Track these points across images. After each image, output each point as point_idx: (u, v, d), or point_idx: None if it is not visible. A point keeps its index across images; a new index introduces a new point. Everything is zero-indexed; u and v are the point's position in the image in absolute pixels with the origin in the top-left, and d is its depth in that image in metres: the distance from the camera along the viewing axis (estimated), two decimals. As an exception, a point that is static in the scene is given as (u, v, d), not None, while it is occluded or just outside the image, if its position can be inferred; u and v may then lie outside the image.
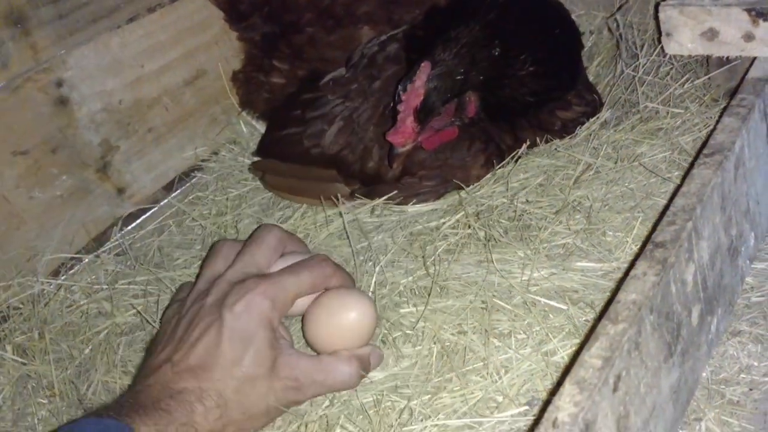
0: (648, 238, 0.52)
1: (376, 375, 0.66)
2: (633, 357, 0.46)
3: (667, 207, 0.54)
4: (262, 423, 0.62)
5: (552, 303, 0.67)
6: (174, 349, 0.60)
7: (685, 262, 0.51)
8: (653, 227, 0.57)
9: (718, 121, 0.61)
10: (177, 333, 0.62)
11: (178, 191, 0.98)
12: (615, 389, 0.44)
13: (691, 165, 0.58)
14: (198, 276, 0.68)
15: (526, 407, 0.60)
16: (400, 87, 0.75)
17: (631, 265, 0.52)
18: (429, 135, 0.78)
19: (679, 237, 0.51)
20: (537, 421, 0.41)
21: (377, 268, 0.74)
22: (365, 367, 0.64)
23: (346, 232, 0.80)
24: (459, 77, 0.75)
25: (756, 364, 0.59)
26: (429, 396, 0.63)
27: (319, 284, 0.65)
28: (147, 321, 0.78)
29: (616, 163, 0.78)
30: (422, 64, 0.74)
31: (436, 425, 0.60)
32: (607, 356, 0.44)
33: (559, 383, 0.58)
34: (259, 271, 0.65)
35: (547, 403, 0.56)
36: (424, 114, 0.74)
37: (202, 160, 1.00)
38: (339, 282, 0.66)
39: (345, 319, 0.64)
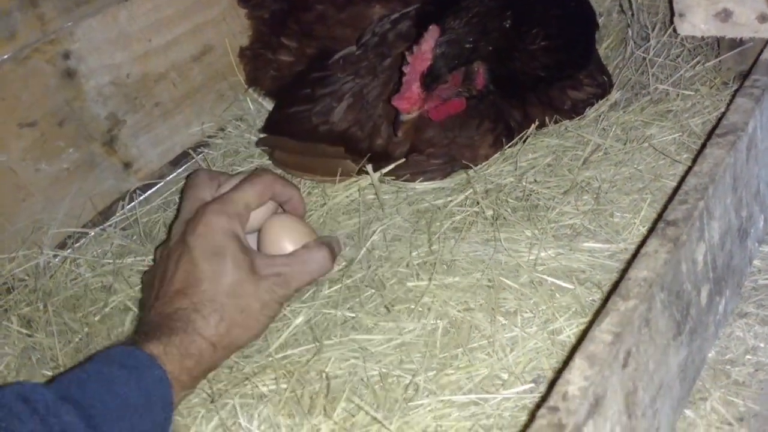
0: (659, 217, 0.52)
1: (377, 338, 0.66)
2: (643, 334, 0.46)
3: (678, 186, 0.54)
4: (263, 321, 0.66)
5: (559, 282, 0.67)
6: (159, 285, 0.65)
7: (696, 242, 0.51)
8: (663, 208, 0.57)
9: (731, 102, 0.60)
10: (160, 269, 0.67)
11: (185, 167, 0.97)
12: (625, 365, 0.44)
13: (703, 145, 0.58)
14: (182, 203, 0.73)
15: (532, 384, 0.60)
16: (406, 51, 0.74)
17: (641, 243, 0.52)
18: (436, 104, 0.77)
19: (691, 216, 0.50)
20: (546, 395, 0.41)
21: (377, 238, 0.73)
22: (334, 249, 0.71)
23: (360, 207, 0.80)
24: (468, 45, 0.74)
25: (762, 345, 0.60)
26: (434, 372, 0.63)
27: (265, 193, 0.70)
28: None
29: (625, 144, 0.78)
30: (430, 28, 0.73)
31: (442, 401, 0.60)
32: (617, 332, 0.44)
33: (566, 361, 0.58)
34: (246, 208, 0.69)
35: (553, 380, 0.56)
36: (430, 79, 0.73)
37: (209, 136, 1.00)
38: (281, 188, 0.71)
39: (284, 249, 0.70)
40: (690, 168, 0.56)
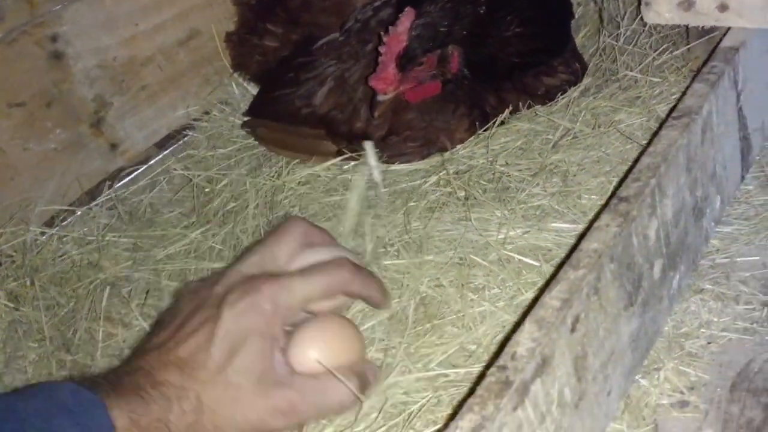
0: (612, 194, 0.54)
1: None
2: (592, 301, 0.49)
3: (633, 165, 0.57)
4: None
5: (526, 260, 0.70)
6: (170, 335, 0.57)
7: (648, 217, 0.54)
8: (618, 184, 0.60)
9: (688, 87, 0.63)
10: (180, 316, 0.58)
11: (170, 149, 1.00)
12: (573, 330, 0.47)
13: (659, 127, 0.60)
14: (258, 246, 0.63)
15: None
16: (383, 32, 0.76)
17: (594, 219, 0.54)
18: (411, 86, 0.80)
19: (642, 192, 0.53)
20: (496, 355, 0.44)
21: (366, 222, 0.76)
22: (365, 385, 0.58)
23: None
24: (442, 29, 0.76)
25: (716, 319, 0.62)
26: (406, 345, 0.66)
27: (335, 290, 0.60)
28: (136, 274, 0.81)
29: (594, 129, 0.81)
30: (406, 10, 0.75)
31: (414, 376, 0.63)
32: (565, 298, 0.46)
33: (516, 325, 0.61)
34: (276, 266, 0.60)
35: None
36: (405, 60, 0.75)
37: (194, 120, 1.03)
38: (358, 288, 0.61)
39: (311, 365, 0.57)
40: (642, 152, 0.58)
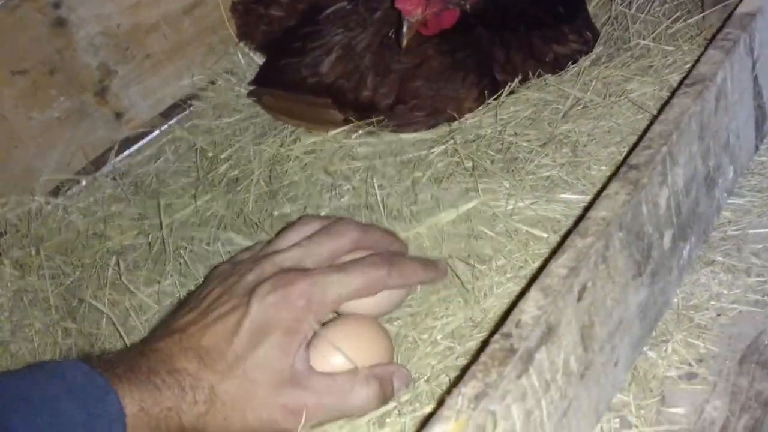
0: (623, 162, 0.53)
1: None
2: (600, 270, 0.48)
3: (644, 133, 0.56)
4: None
5: (534, 231, 0.69)
6: (194, 320, 0.55)
7: (658, 186, 0.53)
8: (628, 153, 0.58)
9: (702, 54, 0.61)
10: (206, 300, 0.56)
11: (175, 119, 0.99)
12: (580, 298, 0.46)
13: (671, 95, 0.59)
14: (270, 241, 0.62)
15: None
16: None
17: (603, 187, 0.53)
18: (438, 8, 0.78)
19: (653, 160, 0.52)
20: (501, 322, 0.43)
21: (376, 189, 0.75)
22: (387, 390, 0.56)
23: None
24: None
25: (726, 292, 0.61)
26: (411, 317, 0.66)
27: (372, 289, 0.57)
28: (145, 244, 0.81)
29: (604, 98, 0.79)
30: None
31: (420, 347, 0.62)
32: (572, 266, 0.45)
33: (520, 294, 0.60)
34: (316, 266, 0.58)
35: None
36: None
37: (200, 89, 1.01)
38: (397, 282, 0.59)
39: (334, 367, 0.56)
40: (653, 120, 0.57)
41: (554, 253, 0.48)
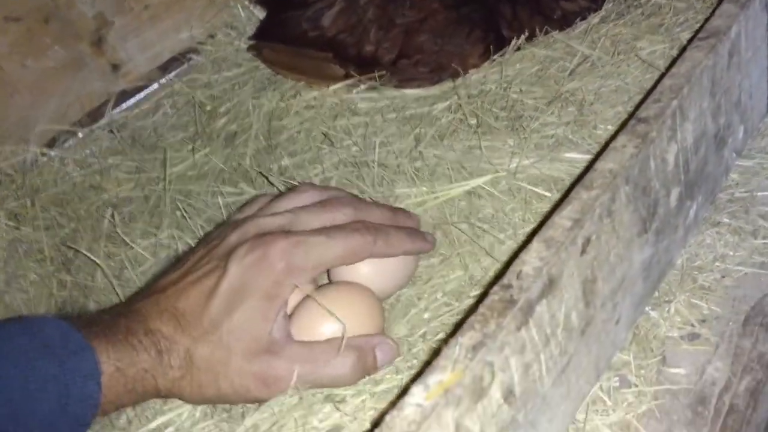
0: (631, 115, 0.52)
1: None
2: (605, 224, 0.46)
3: (654, 86, 0.54)
4: (222, 402, 0.55)
5: (537, 190, 0.68)
6: (173, 281, 0.54)
7: (667, 140, 0.51)
8: (636, 107, 0.57)
9: (716, 8, 0.59)
10: (189, 262, 0.55)
11: (174, 72, 0.97)
12: (583, 251, 0.45)
13: (684, 49, 0.57)
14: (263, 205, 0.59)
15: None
16: None
17: (610, 140, 0.52)
18: None
19: (663, 114, 0.50)
20: (501, 274, 0.42)
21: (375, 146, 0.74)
22: (367, 362, 0.54)
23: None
24: None
25: (731, 253, 0.60)
26: (413, 280, 0.64)
27: (356, 256, 0.55)
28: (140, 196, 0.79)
29: (613, 56, 0.77)
30: None
31: (417, 305, 0.61)
32: (577, 218, 0.44)
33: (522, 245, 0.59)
34: (301, 227, 0.55)
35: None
36: None
37: (198, 43, 0.99)
38: (383, 250, 0.56)
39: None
40: (665, 73, 0.55)
41: (557, 206, 0.46)
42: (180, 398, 0.54)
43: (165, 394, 0.53)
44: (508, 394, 0.41)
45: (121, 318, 0.52)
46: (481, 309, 0.40)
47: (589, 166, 0.48)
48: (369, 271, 0.60)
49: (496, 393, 0.40)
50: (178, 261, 0.58)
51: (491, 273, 0.63)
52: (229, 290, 0.51)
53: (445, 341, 0.37)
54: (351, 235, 0.55)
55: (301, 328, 0.55)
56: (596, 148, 0.71)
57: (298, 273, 0.53)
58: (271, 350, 0.52)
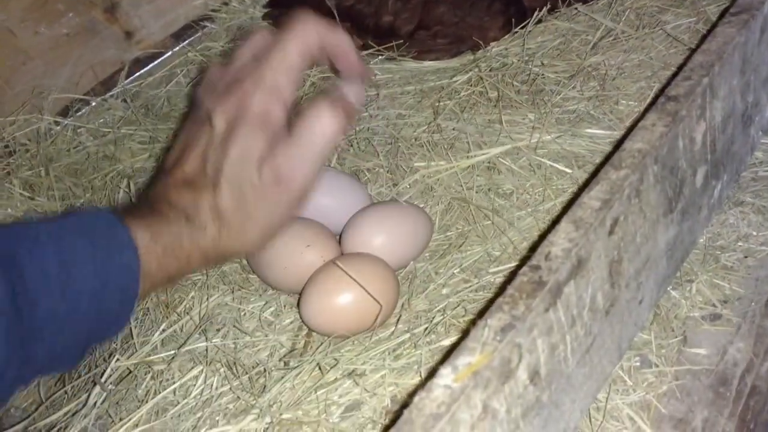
0: (661, 92, 0.51)
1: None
2: (633, 204, 0.46)
3: (684, 63, 0.53)
4: (268, 233, 0.54)
5: (557, 166, 0.67)
6: (175, 160, 0.54)
7: (696, 119, 0.50)
8: (664, 86, 0.56)
9: (749, -19, 0.58)
10: (180, 140, 0.55)
11: (187, 40, 0.96)
12: (611, 232, 0.44)
13: (714, 25, 0.56)
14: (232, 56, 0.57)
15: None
16: None
17: (639, 119, 0.51)
18: None
19: (693, 92, 0.49)
20: (527, 257, 0.42)
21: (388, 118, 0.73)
22: (345, 108, 0.53)
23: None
24: None
25: (755, 233, 0.60)
26: (429, 254, 0.64)
27: (307, 42, 0.52)
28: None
29: (637, 30, 0.76)
30: None
31: (436, 280, 0.61)
32: (606, 198, 0.43)
33: (551, 226, 0.59)
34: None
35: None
36: None
37: (212, 10, 0.98)
38: (325, 32, 0.53)
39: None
40: (695, 50, 0.54)
41: (584, 186, 0.46)
42: (231, 255, 0.55)
43: (214, 258, 0.53)
44: (534, 375, 0.41)
45: (144, 201, 0.53)
46: (510, 290, 0.39)
47: (618, 145, 0.47)
48: (382, 242, 0.60)
49: (522, 374, 0.39)
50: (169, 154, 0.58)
51: (510, 249, 0.63)
52: (220, 134, 0.52)
53: (472, 323, 0.37)
54: (296, 30, 0.52)
55: (319, 296, 0.56)
56: (618, 123, 0.70)
57: (276, 92, 0.51)
58: (270, 158, 0.52)
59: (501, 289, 0.40)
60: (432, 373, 0.37)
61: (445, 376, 0.36)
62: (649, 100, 0.70)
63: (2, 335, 0.42)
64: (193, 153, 0.53)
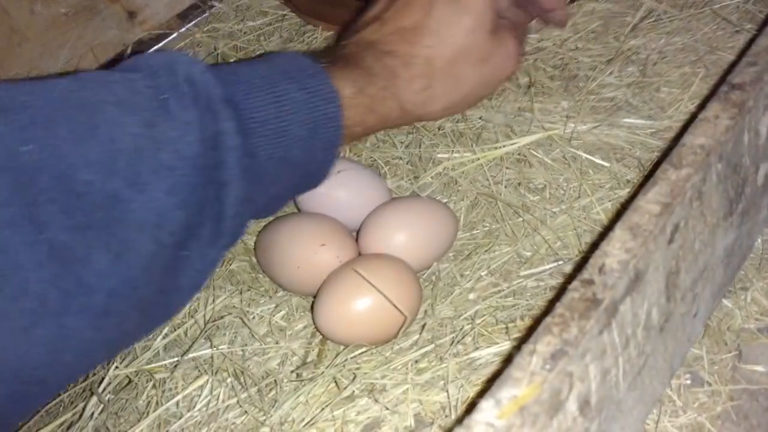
0: (721, 80, 0.45)
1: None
2: (694, 208, 0.40)
3: (746, 48, 0.47)
4: (469, 101, 0.58)
5: (593, 159, 0.62)
6: (384, 7, 0.55)
7: (762, 110, 0.45)
8: (718, 81, 0.50)
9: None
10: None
11: (194, 21, 0.90)
12: (671, 240, 0.39)
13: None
14: None
15: (559, 262, 0.55)
16: None
17: (692, 117, 0.45)
18: None
19: (760, 79, 0.44)
20: (574, 272, 0.36)
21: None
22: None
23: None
24: None
25: (815, 235, 0.54)
26: (453, 254, 0.59)
27: None
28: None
29: (681, 10, 0.70)
30: None
31: (461, 284, 0.56)
32: (666, 202, 0.38)
33: (600, 236, 0.54)
34: None
35: (583, 258, 0.52)
36: None
37: (221, -11, 0.92)
38: None
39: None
40: (758, 32, 0.48)
41: (632, 193, 0.40)
42: (421, 115, 0.55)
43: (410, 117, 0.54)
44: (584, 405, 0.35)
45: (344, 49, 0.53)
46: (559, 309, 0.34)
47: (676, 140, 0.42)
48: (402, 241, 0.55)
49: (572, 406, 0.34)
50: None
51: (542, 250, 0.58)
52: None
53: (517, 347, 0.32)
54: None
55: (335, 301, 0.51)
56: (659, 113, 0.64)
57: None
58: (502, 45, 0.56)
59: (548, 308, 0.35)
60: (471, 407, 0.32)
61: (487, 411, 0.31)
62: (693, 87, 0.64)
63: (238, 171, 0.42)
64: (409, 10, 0.53)
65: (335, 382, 0.50)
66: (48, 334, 0.37)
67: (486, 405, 0.31)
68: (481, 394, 0.32)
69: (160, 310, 0.45)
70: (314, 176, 0.51)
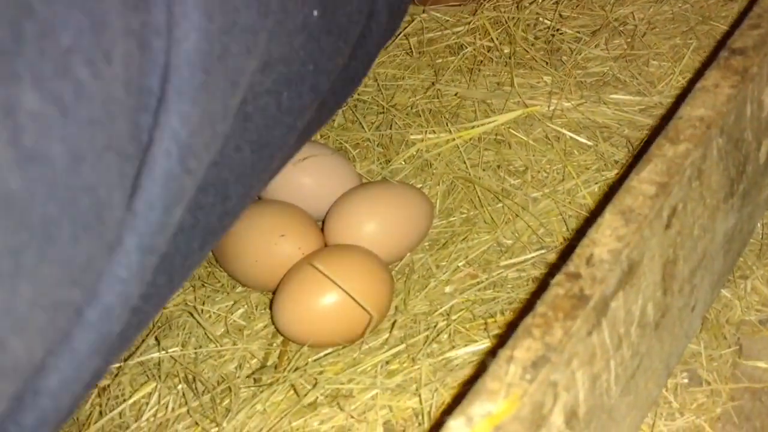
0: (720, 45, 0.40)
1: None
2: (693, 188, 0.35)
3: (746, 11, 0.42)
4: None
5: (578, 138, 0.57)
6: None
7: (766, 79, 0.40)
8: (711, 52, 0.46)
9: None
10: None
11: None
12: (668, 225, 0.34)
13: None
14: None
15: (542, 251, 0.51)
16: None
17: (686, 90, 0.41)
18: None
19: (765, 42, 0.39)
20: (559, 263, 0.31)
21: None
22: None
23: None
24: None
25: (819, 218, 0.50)
26: (429, 243, 0.54)
27: None
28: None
29: (671, -23, 0.65)
30: None
31: (437, 275, 0.51)
32: (663, 182, 0.33)
33: (587, 221, 0.49)
34: None
35: (570, 246, 0.47)
36: None
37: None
38: None
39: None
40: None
41: (629, 168, 0.36)
42: None
43: None
44: (571, 418, 0.31)
45: None
46: (541, 308, 0.29)
47: (672, 112, 0.37)
48: (372, 230, 0.51)
49: (557, 419, 0.29)
50: None
51: (524, 238, 0.53)
52: None
53: (491, 352, 0.27)
54: None
55: (295, 299, 0.47)
56: (649, 88, 0.60)
57: None
58: None
59: (530, 297, 0.30)
60: (438, 426, 0.27)
61: (456, 430, 0.26)
62: (684, 60, 0.60)
63: None
64: None
65: (294, 388, 0.45)
66: None
67: (455, 424, 0.26)
68: (458, 398, 0.27)
69: None
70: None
